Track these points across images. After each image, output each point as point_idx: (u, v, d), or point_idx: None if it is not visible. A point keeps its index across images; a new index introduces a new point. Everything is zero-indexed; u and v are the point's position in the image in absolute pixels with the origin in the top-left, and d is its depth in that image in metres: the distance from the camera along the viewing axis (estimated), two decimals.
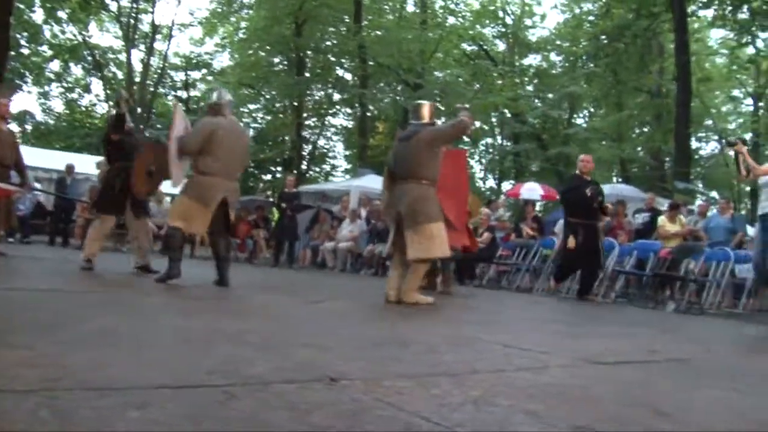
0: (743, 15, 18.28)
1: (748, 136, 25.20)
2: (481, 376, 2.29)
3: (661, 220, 9.58)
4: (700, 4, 19.33)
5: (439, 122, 5.79)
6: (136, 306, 3.71)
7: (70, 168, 13.13)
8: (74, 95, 31.88)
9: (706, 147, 31.19)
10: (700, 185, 25.99)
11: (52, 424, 1.32)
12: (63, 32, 28.44)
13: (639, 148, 26.72)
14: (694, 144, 25.43)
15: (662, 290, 8.61)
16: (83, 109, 32.43)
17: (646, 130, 27.17)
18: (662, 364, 3.07)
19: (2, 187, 6.85)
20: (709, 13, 20.18)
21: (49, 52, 29.07)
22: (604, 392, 2.17)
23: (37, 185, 13.72)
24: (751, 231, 10.18)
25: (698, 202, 10.73)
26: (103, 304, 3.62)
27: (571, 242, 7.67)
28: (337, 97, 28.18)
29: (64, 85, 31.31)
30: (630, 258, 8.87)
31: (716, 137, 30.30)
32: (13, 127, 8.14)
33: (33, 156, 16.25)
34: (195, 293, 4.92)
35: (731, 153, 7.12)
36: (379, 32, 25.49)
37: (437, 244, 5.09)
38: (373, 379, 2.01)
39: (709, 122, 29.57)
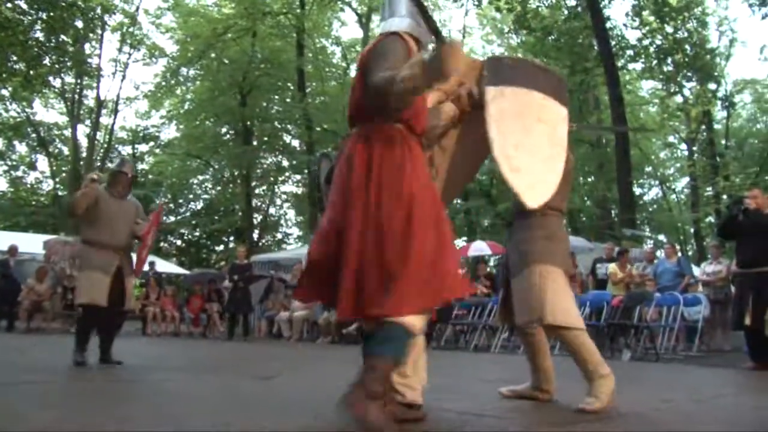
0: (668, 67, 19.33)
1: (685, 180, 26.20)
2: None
3: (612, 267, 9.78)
4: (629, 58, 20.34)
5: None
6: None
7: (13, 249, 12.72)
8: (19, 173, 31.25)
9: (649, 192, 32.39)
10: (647, 230, 26.77)
11: None
12: (6, 110, 28.02)
13: (586, 198, 27.44)
14: (636, 190, 26.35)
15: (617, 339, 8.69)
16: (28, 186, 31.72)
17: (590, 180, 28.00)
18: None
19: None
20: (637, 66, 21.23)
21: None
22: None
23: None
24: (697, 272, 10.48)
25: (645, 248, 10.98)
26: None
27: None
28: (285, 164, 28.30)
29: (8, 163, 30.68)
30: (584, 309, 8.95)
31: (657, 183, 31.47)
32: None
33: None
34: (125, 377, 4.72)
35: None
36: (322, 98, 25.88)
37: None
38: None
39: (649, 169, 30.70)
